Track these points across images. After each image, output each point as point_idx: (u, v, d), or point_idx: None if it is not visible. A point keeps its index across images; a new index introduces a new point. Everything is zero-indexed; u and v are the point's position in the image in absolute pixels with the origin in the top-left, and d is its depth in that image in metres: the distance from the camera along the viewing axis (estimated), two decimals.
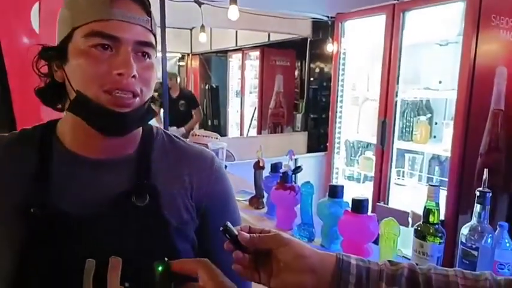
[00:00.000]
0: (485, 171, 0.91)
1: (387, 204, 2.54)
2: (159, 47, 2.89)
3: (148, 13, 0.66)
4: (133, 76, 0.62)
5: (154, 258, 0.62)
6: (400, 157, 2.64)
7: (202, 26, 2.79)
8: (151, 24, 0.66)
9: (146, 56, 0.65)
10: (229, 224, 0.57)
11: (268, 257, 0.56)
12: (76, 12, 0.62)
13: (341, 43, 2.92)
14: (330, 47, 3.14)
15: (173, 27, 3.00)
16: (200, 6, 2.53)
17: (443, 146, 2.35)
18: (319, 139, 4.16)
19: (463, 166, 2.16)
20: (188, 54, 7.00)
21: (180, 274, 0.54)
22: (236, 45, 5.41)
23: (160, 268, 0.53)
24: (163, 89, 2.77)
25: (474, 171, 2.16)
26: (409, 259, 1.09)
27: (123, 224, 0.66)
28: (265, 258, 0.57)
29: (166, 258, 0.54)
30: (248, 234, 0.57)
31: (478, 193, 0.90)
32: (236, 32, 5.26)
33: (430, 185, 0.99)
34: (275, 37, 4.69)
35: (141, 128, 0.72)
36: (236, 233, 0.56)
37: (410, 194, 2.56)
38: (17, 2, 1.42)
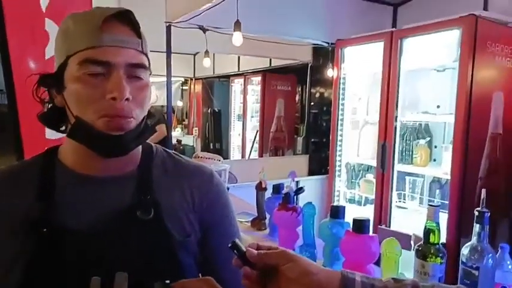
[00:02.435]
0: (483, 191, 0.93)
1: (389, 227, 2.54)
2: (164, 72, 2.97)
3: (139, 35, 0.68)
4: (127, 99, 0.64)
5: (159, 273, 0.65)
6: (401, 180, 2.65)
7: (207, 52, 2.87)
8: (142, 46, 0.68)
9: (139, 78, 0.67)
10: (237, 240, 0.59)
11: (276, 273, 0.58)
12: (70, 41, 0.65)
13: (341, 68, 2.99)
14: (330, 72, 3.21)
15: (177, 53, 3.10)
16: (205, 33, 2.62)
17: (443, 169, 2.38)
18: (320, 162, 4.18)
19: (463, 189, 2.17)
20: (191, 79, 7.12)
21: None
22: (238, 70, 5.53)
23: None
24: (168, 111, 2.83)
25: (474, 194, 2.17)
26: None
27: (127, 239, 0.67)
28: (273, 274, 0.58)
29: (167, 281, 0.54)
30: (256, 251, 0.59)
31: (476, 213, 0.92)
32: (239, 57, 5.38)
33: (430, 205, 1.01)
34: (276, 62, 4.80)
35: (140, 145, 0.75)
36: (244, 249, 0.58)
37: (411, 217, 2.55)
38: (32, 27, 1.47)
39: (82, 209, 0.68)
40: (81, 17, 0.67)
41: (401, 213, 2.64)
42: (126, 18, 0.67)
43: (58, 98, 0.68)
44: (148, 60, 0.70)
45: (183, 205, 0.74)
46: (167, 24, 2.34)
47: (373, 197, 2.72)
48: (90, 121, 0.64)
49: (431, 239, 1.00)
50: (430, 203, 1.03)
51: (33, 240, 0.64)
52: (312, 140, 4.50)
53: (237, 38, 2.20)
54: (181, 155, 0.82)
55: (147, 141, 0.78)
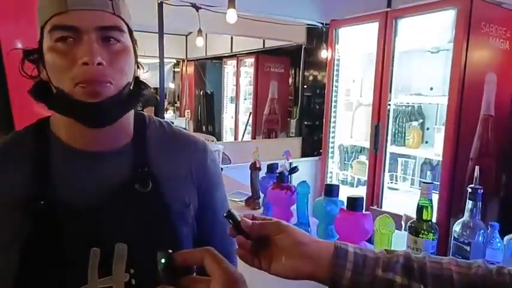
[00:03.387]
0: (476, 168, 0.94)
1: (381, 208, 2.57)
2: (155, 53, 2.91)
3: None
4: (100, 63, 0.60)
5: (159, 244, 0.63)
6: (393, 161, 2.68)
7: (200, 30, 2.82)
8: (113, 7, 0.64)
9: (113, 40, 0.63)
10: (232, 210, 0.59)
11: (269, 243, 0.59)
12: (41, 12, 0.64)
13: (335, 50, 2.97)
14: (324, 54, 3.19)
15: (169, 33, 3.04)
16: (197, 11, 2.57)
17: (435, 150, 2.40)
18: (313, 145, 4.20)
19: (454, 170, 2.20)
20: (183, 60, 7.03)
21: (184, 265, 0.55)
22: (231, 52, 5.46)
23: (163, 261, 0.53)
24: (160, 93, 2.79)
25: (465, 175, 2.21)
26: None
27: (126, 211, 0.67)
28: (266, 244, 0.59)
29: (170, 250, 0.54)
30: (250, 221, 0.59)
31: (469, 190, 0.94)
32: (231, 38, 5.31)
33: (423, 182, 1.02)
34: (270, 44, 4.74)
35: (132, 117, 0.73)
36: (239, 219, 0.58)
37: (403, 198, 2.59)
38: (19, 3, 1.43)
39: (79, 184, 0.67)
40: None
41: (393, 194, 2.68)
42: None
43: (43, 72, 0.66)
44: (126, 22, 0.66)
45: (180, 175, 0.73)
46: (159, 1, 2.28)
47: (366, 178, 2.75)
48: (68, 90, 0.62)
49: (424, 215, 1.02)
50: (424, 181, 1.04)
51: (31, 216, 0.63)
52: (305, 122, 4.51)
53: (231, 16, 2.16)
54: (174, 125, 0.81)
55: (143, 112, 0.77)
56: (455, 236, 0.94)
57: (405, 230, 1.93)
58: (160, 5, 2.30)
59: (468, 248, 0.92)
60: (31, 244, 0.63)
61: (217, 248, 0.68)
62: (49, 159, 0.67)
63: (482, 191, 0.93)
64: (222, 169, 2.24)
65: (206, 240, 0.74)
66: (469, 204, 0.95)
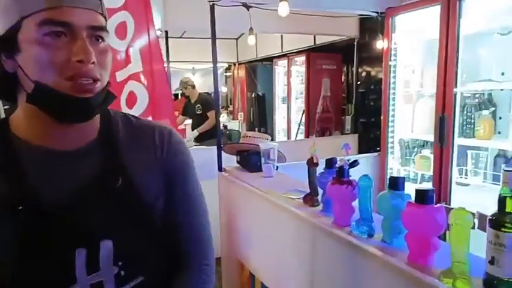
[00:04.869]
0: None
1: (449, 204, 2.39)
2: (206, 58, 2.96)
3: None
4: (93, 62, 0.62)
5: (140, 234, 0.69)
6: (462, 155, 2.48)
7: (251, 29, 2.83)
8: (102, 8, 0.66)
9: (100, 40, 0.65)
10: None
11: None
12: (21, 1, 0.61)
13: (391, 39, 2.83)
14: (379, 45, 3.05)
15: (220, 38, 3.10)
16: (248, 10, 2.58)
17: (510, 141, 2.18)
18: (370, 142, 4.04)
19: None
20: (234, 64, 7.15)
21: None
22: (282, 51, 5.44)
23: None
24: (215, 97, 2.83)
25: None
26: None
27: (101, 207, 0.68)
28: None
29: None
30: None
31: None
32: (282, 37, 5.29)
33: (505, 170, 0.92)
34: (321, 40, 4.65)
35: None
36: None
37: (474, 194, 2.39)
38: None
39: (50, 185, 0.66)
40: None
41: (462, 190, 2.48)
42: None
43: (8, 63, 0.63)
44: (106, 22, 0.68)
45: (149, 165, 0.74)
46: (211, 3, 2.32)
47: (430, 173, 2.57)
48: (53, 84, 0.61)
49: (508, 207, 0.91)
50: (506, 169, 0.93)
51: (8, 224, 0.63)
52: (361, 119, 4.36)
53: (283, 9, 2.12)
54: (138, 117, 0.82)
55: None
56: None
57: (478, 228, 1.77)
58: (212, 7, 2.33)
59: None
60: (18, 250, 0.63)
61: (183, 224, 0.78)
62: (17, 162, 0.65)
63: None
64: (277, 167, 2.21)
65: (176, 226, 0.78)
66: None
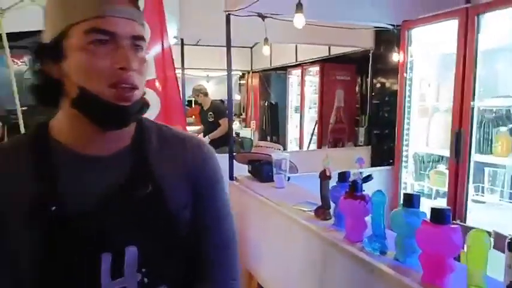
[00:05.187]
0: None
1: (464, 222, 2.33)
2: (221, 66, 2.98)
3: (138, 7, 0.69)
4: (134, 69, 0.65)
5: (165, 243, 0.69)
6: (478, 171, 2.42)
7: (266, 39, 2.84)
8: (142, 18, 0.70)
9: (139, 49, 0.67)
10: None
11: None
12: (71, 9, 0.64)
13: (407, 52, 2.80)
14: (395, 57, 3.02)
15: (234, 46, 3.12)
16: (263, 20, 2.59)
17: None
18: (383, 154, 3.99)
19: None
20: (248, 72, 7.19)
21: None
22: (296, 61, 5.45)
23: None
24: (229, 105, 2.83)
25: None
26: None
27: (130, 214, 0.69)
28: None
29: None
30: None
31: None
32: (296, 47, 5.30)
33: None
34: (335, 51, 4.65)
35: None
36: None
37: (491, 212, 2.32)
38: None
39: (82, 189, 0.68)
40: None
41: (478, 207, 2.41)
42: None
43: (55, 69, 0.66)
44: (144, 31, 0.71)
45: (178, 175, 0.75)
46: (227, 13, 2.33)
47: (445, 189, 2.52)
48: (96, 91, 0.64)
49: None
50: None
51: (40, 224, 0.64)
52: (374, 131, 4.31)
53: (299, 20, 2.12)
54: (170, 126, 0.82)
55: None
56: None
57: (494, 248, 1.72)
58: (228, 17, 2.35)
59: None
60: (45, 253, 0.64)
61: (213, 241, 0.78)
62: (52, 165, 0.68)
63: None
64: (289, 178, 2.19)
65: (203, 234, 0.78)
66: None
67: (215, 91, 6.78)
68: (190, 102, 6.44)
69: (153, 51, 2.31)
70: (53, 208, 0.64)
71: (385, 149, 3.93)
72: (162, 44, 2.35)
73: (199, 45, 5.48)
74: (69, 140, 0.69)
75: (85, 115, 0.66)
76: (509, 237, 0.92)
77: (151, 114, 2.24)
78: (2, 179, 0.67)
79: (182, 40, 3.70)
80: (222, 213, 0.82)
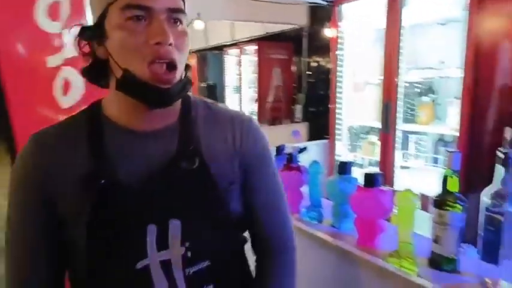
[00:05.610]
0: (507, 130, 0.85)
1: (393, 187, 2.49)
2: None
3: None
4: (170, 44, 0.63)
5: (209, 218, 0.71)
6: (405, 140, 2.58)
7: (198, 14, 2.72)
8: None
9: (179, 23, 0.66)
10: None
11: None
12: None
13: (339, 28, 2.86)
14: (328, 33, 3.08)
15: None
16: None
17: (449, 125, 2.30)
18: (320, 130, 4.11)
19: (471, 144, 2.10)
20: None
21: None
22: (232, 40, 5.35)
23: None
24: None
25: (482, 149, 2.11)
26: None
27: (175, 188, 0.70)
28: None
29: None
30: None
31: (500, 154, 0.85)
32: (232, 25, 5.20)
33: (448, 151, 0.94)
34: (271, 29, 4.63)
35: None
36: None
37: (417, 177, 2.50)
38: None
39: (130, 163, 0.70)
40: None
41: (405, 173, 2.59)
42: None
43: (100, 50, 0.68)
44: (185, 4, 0.70)
45: (225, 152, 0.75)
46: None
47: (376, 158, 2.66)
48: (137, 73, 0.64)
49: (450, 186, 0.93)
50: (449, 150, 0.95)
51: (92, 194, 0.67)
52: (311, 108, 4.41)
53: None
54: (218, 103, 0.83)
55: None
56: (486, 207, 0.86)
57: (421, 209, 1.84)
58: None
59: (501, 218, 0.83)
60: (93, 221, 0.67)
61: (265, 221, 0.79)
62: (103, 139, 0.70)
63: None
64: None
65: (255, 211, 0.80)
66: (499, 170, 0.86)
67: None
68: None
69: (74, 29, 2.10)
70: (102, 181, 0.67)
71: (322, 125, 4.05)
72: (85, 18, 2.14)
73: None
74: (118, 117, 0.72)
75: (128, 95, 0.67)
76: (435, 194, 0.97)
77: (74, 96, 2.05)
78: (60, 151, 0.70)
79: None
80: (271, 179, 0.82)
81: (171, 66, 0.65)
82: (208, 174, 0.71)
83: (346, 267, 1.09)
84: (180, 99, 0.75)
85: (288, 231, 0.85)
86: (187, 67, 0.73)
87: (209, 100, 0.82)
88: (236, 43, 5.38)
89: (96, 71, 0.71)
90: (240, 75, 5.57)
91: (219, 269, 0.73)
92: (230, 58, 5.96)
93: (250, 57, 5.37)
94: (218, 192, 0.72)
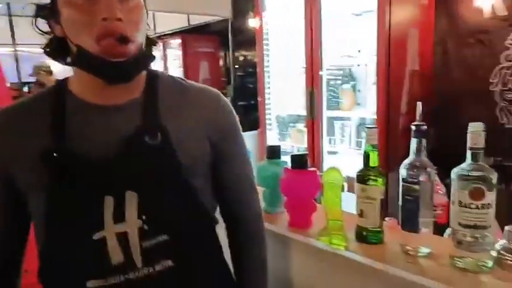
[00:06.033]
0: (419, 104, 0.91)
1: (321, 172, 2.58)
2: None
3: None
4: (119, 19, 0.63)
5: (169, 193, 0.71)
6: (330, 126, 2.70)
7: None
8: None
9: None
10: None
11: None
12: None
13: (264, 18, 2.88)
14: (252, 23, 3.09)
15: None
16: None
17: (369, 109, 2.45)
18: (250, 123, 4.14)
19: (388, 125, 2.26)
20: None
21: None
22: (155, 32, 5.14)
23: None
24: None
25: (398, 129, 2.27)
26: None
27: (136, 162, 0.69)
28: None
29: None
30: None
31: (413, 127, 0.90)
32: (153, 17, 4.99)
33: (367, 127, 0.97)
34: (195, 21, 4.53)
35: (143, 72, 0.75)
36: None
37: (343, 160, 2.62)
38: None
39: (92, 136, 0.69)
40: None
41: (333, 158, 2.70)
42: None
43: (57, 28, 0.69)
44: None
45: (191, 128, 0.75)
46: None
47: (305, 145, 2.74)
48: (88, 48, 0.64)
49: (371, 162, 0.97)
50: (367, 126, 0.99)
51: (50, 168, 0.67)
52: (240, 102, 4.42)
53: None
54: (186, 80, 0.82)
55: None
56: (404, 178, 0.91)
57: (348, 191, 1.93)
58: None
59: (417, 187, 0.88)
60: (50, 194, 0.68)
61: (237, 201, 0.84)
62: (64, 113, 0.70)
63: (426, 127, 0.90)
64: None
65: (224, 189, 0.83)
66: (413, 143, 0.91)
67: (67, 69, 5.95)
68: (31, 83, 5.50)
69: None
70: (55, 155, 0.67)
71: (252, 119, 4.08)
72: None
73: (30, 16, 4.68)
74: (82, 92, 0.72)
75: (84, 71, 0.68)
76: (358, 170, 1.01)
77: None
78: (19, 128, 0.71)
79: (8, 6, 3.07)
80: (242, 149, 0.85)
81: (122, 39, 0.64)
82: (170, 149, 0.70)
83: (280, 250, 1.09)
84: (146, 74, 0.75)
85: (255, 198, 0.88)
86: (151, 42, 0.74)
87: (177, 76, 0.82)
88: (160, 36, 5.18)
89: (58, 50, 0.72)
90: (167, 70, 5.39)
91: (178, 245, 0.72)
92: (154, 52, 5.74)
93: (175, 51, 5.21)
94: (179, 167, 0.71)
